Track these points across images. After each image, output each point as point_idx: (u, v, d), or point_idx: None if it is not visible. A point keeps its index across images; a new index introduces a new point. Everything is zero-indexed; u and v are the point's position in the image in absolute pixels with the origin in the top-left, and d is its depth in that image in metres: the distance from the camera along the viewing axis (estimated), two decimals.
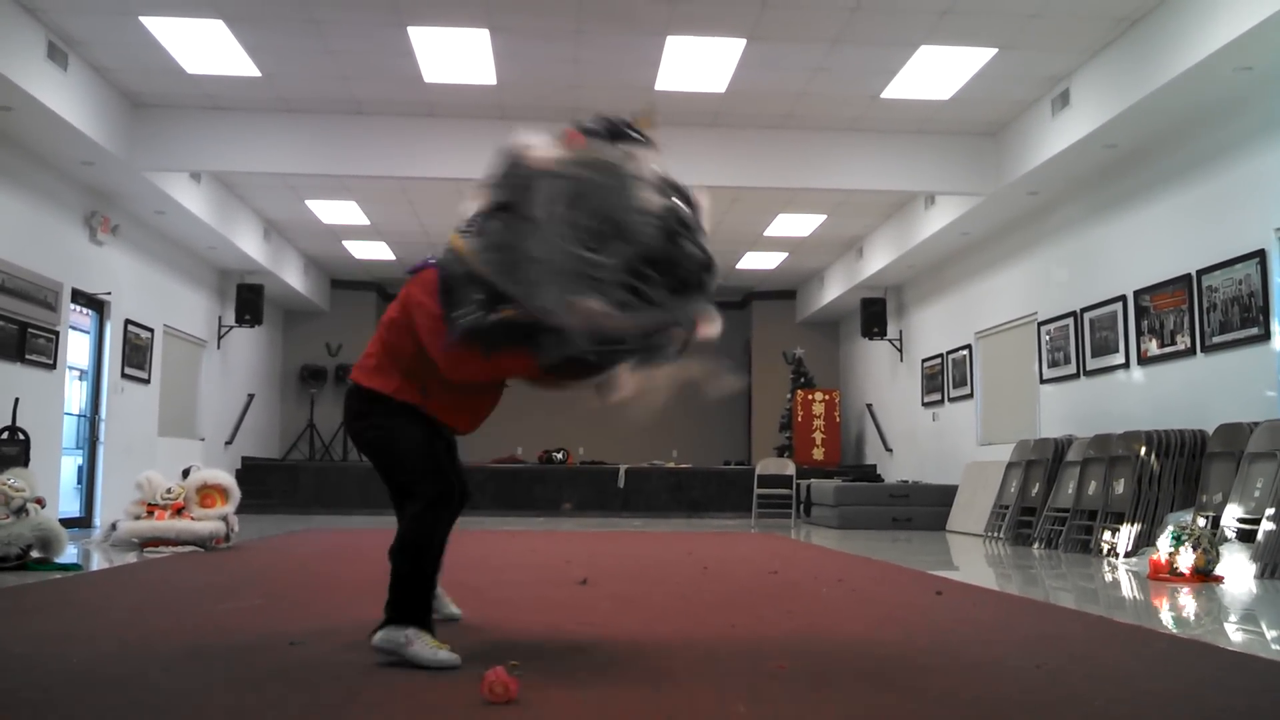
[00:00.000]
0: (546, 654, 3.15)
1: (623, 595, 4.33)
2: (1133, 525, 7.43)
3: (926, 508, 11.56)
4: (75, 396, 10.26)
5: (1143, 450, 7.59)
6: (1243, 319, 7.20)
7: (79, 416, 10.35)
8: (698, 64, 8.44)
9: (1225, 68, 6.82)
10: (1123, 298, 8.68)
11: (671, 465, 14.84)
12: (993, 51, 8.07)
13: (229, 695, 2.58)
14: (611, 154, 3.25)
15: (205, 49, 8.18)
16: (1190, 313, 7.75)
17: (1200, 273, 7.66)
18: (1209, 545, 5.87)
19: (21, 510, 6.05)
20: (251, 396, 14.92)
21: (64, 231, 9.49)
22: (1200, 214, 7.77)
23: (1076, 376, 9.48)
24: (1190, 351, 7.75)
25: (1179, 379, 7.93)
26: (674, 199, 3.23)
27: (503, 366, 3.23)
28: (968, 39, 7.90)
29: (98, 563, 6.65)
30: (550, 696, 2.58)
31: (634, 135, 3.36)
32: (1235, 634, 4.13)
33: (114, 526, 7.45)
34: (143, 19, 7.65)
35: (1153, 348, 8.24)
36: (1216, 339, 7.47)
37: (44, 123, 8.11)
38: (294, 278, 14.72)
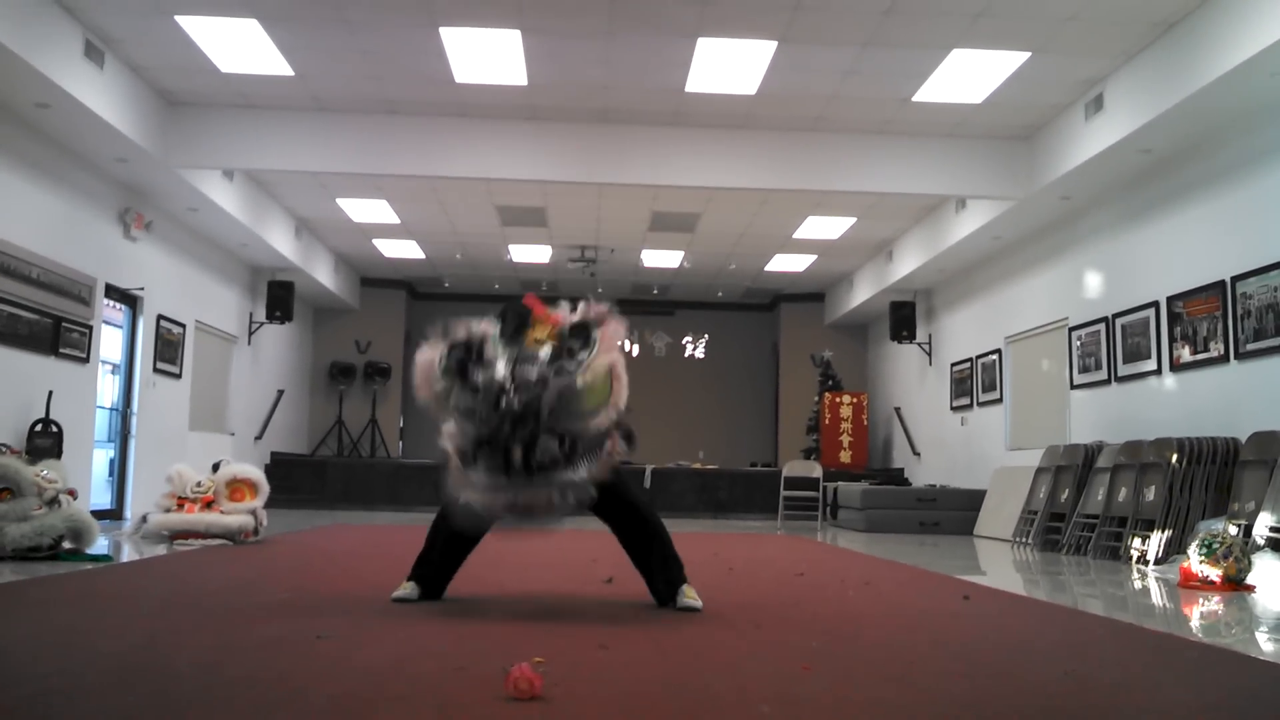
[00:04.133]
0: (571, 651, 3.16)
1: (648, 594, 4.33)
2: (1163, 532, 7.36)
3: (954, 512, 11.51)
4: (108, 390, 10.36)
5: (1174, 457, 7.52)
6: (1277, 326, 7.13)
7: (111, 410, 10.45)
8: (728, 66, 8.44)
9: (1262, 73, 6.75)
10: (1155, 304, 8.61)
11: (698, 466, 14.84)
12: (1026, 55, 8.02)
13: (255, 688, 2.59)
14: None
15: (240, 48, 8.25)
16: (1224, 319, 7.68)
17: (1234, 279, 7.58)
18: (1240, 553, 5.81)
19: (54, 501, 6.13)
20: (281, 392, 15.03)
21: (98, 227, 9.59)
22: (1235, 220, 7.69)
23: (1108, 382, 9.40)
24: (1224, 358, 7.68)
25: (1212, 386, 7.85)
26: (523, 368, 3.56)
27: None
28: (1001, 42, 7.85)
29: (128, 554, 6.71)
30: (574, 693, 2.58)
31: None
32: (1267, 644, 4.08)
33: (144, 519, 7.52)
34: (178, 18, 7.72)
35: (1185, 354, 8.16)
36: (1250, 346, 7.39)
37: (80, 120, 8.20)
38: (324, 275, 14.82)
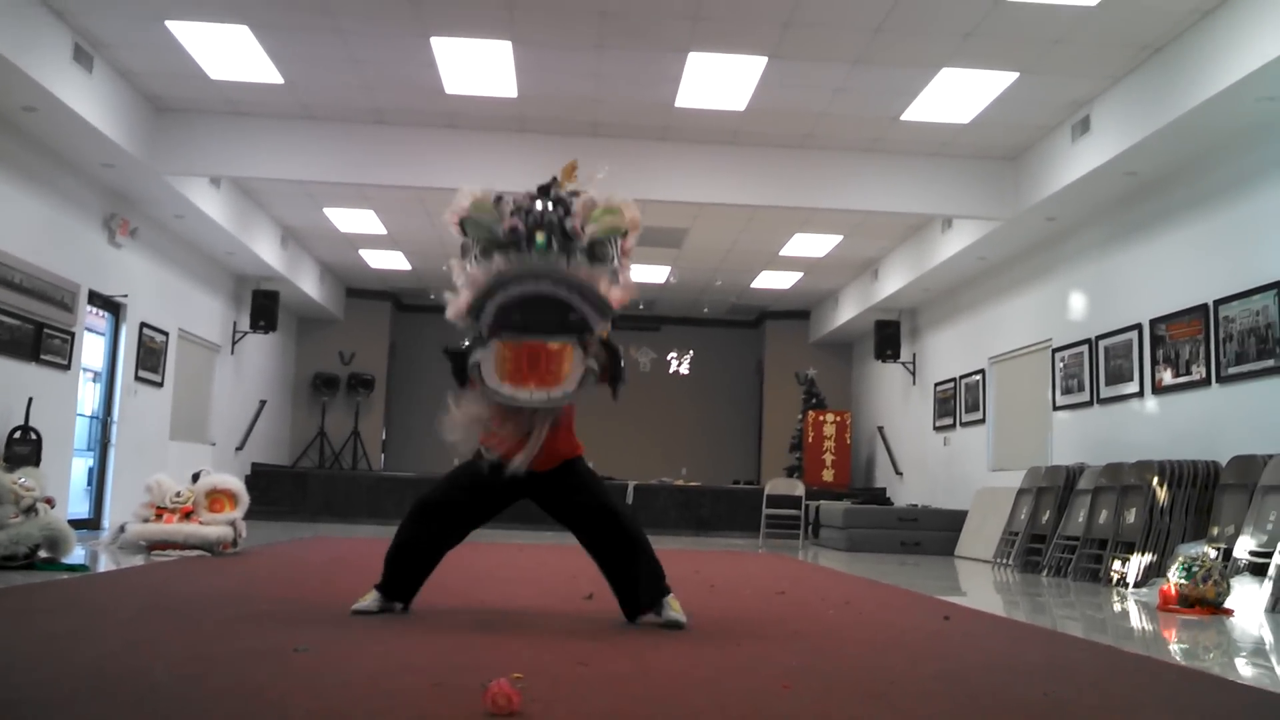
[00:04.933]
0: (550, 667, 3.14)
1: None
2: (1143, 555, 7.38)
3: (936, 532, 11.51)
4: (88, 398, 10.29)
5: (1155, 480, 7.55)
6: (1259, 350, 7.16)
7: (91, 418, 10.39)
8: (718, 81, 8.47)
9: (1248, 97, 6.80)
10: (1138, 326, 8.65)
11: (680, 483, 14.82)
12: (1014, 75, 8.07)
13: (233, 700, 2.57)
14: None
15: (229, 55, 8.24)
16: (1206, 343, 7.72)
17: (1217, 303, 7.62)
18: (1220, 577, 5.82)
19: (31, 510, 6.06)
20: (263, 403, 14.97)
21: (83, 233, 9.54)
22: (1219, 244, 7.74)
23: (1090, 404, 9.44)
24: (1205, 382, 7.72)
25: (1193, 409, 7.88)
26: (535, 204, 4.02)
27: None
28: (990, 62, 7.90)
29: (105, 564, 6.66)
30: (553, 710, 2.56)
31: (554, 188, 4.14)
32: (1245, 667, 4.09)
33: (122, 528, 7.46)
34: (168, 23, 7.71)
35: (1167, 377, 8.20)
36: (1232, 370, 7.43)
37: (67, 124, 8.17)
38: (310, 285, 14.78)
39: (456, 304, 3.98)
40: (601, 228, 3.99)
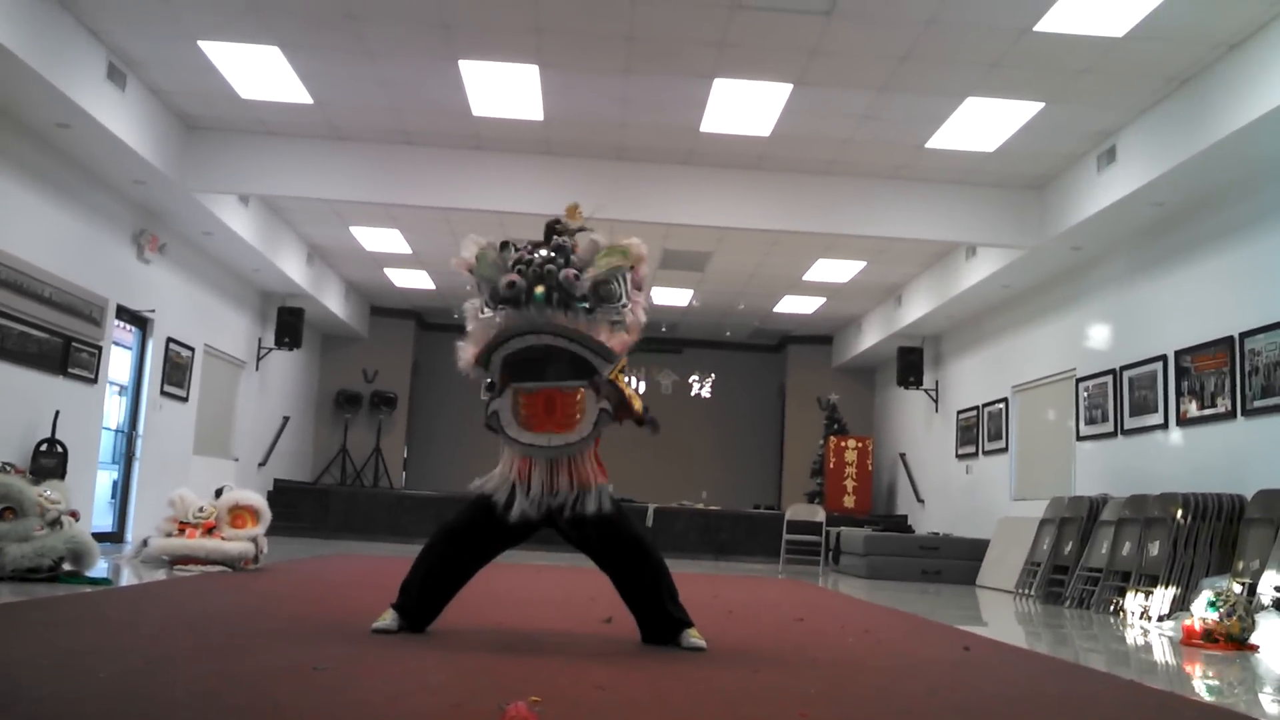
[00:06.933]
0: (568, 691, 3.14)
1: None
2: (1167, 588, 7.31)
3: (957, 561, 11.44)
4: (114, 412, 10.37)
5: (1179, 513, 7.49)
6: None
7: (117, 432, 10.47)
8: (744, 107, 8.49)
9: (1276, 129, 6.78)
10: (1163, 357, 8.60)
11: (700, 506, 14.78)
12: (1040, 105, 8.06)
13: (252, 717, 2.58)
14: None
15: (260, 75, 8.33)
16: (1231, 375, 7.66)
17: (1243, 335, 7.57)
18: (1244, 612, 5.77)
19: (56, 522, 6.11)
20: (287, 419, 15.04)
21: (112, 248, 9.64)
22: (1245, 276, 7.70)
23: (1114, 435, 9.38)
24: (1230, 414, 7.66)
25: (1218, 442, 7.82)
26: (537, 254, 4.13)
27: None
28: (1015, 92, 7.90)
29: (127, 578, 6.70)
30: None
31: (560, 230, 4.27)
32: (1270, 704, 4.05)
33: (145, 543, 7.51)
34: (201, 43, 7.80)
35: (1192, 409, 8.14)
36: (1258, 403, 7.37)
37: (100, 141, 8.27)
38: (334, 303, 14.87)
39: (465, 356, 4.18)
40: (604, 268, 4.09)
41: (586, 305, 4.05)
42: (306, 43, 7.78)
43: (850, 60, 7.58)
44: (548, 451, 4.05)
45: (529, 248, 4.16)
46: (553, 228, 4.26)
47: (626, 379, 4.33)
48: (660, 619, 4.29)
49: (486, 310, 4.16)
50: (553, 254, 4.08)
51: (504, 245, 4.19)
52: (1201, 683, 4.60)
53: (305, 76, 8.36)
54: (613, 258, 4.12)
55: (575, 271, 4.04)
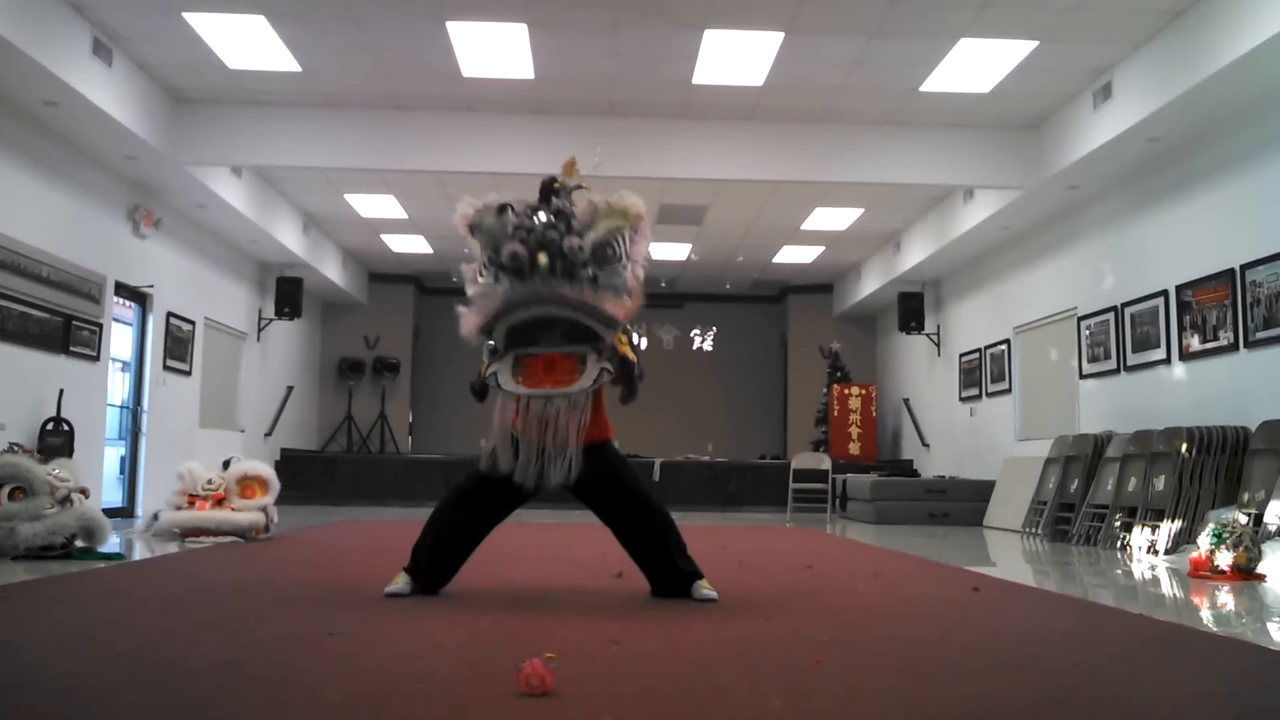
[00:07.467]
0: (582, 647, 3.17)
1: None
2: (1173, 522, 7.35)
3: (963, 503, 11.50)
4: (118, 388, 10.39)
5: (1183, 447, 7.51)
6: None
7: (121, 408, 10.49)
8: (735, 57, 8.43)
9: (1272, 60, 6.72)
10: (1164, 293, 8.59)
11: (707, 459, 14.83)
12: (1034, 44, 8.00)
13: (270, 686, 2.61)
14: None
15: (247, 44, 8.26)
16: (1233, 308, 7.66)
17: (1244, 268, 7.56)
18: (1251, 543, 5.80)
19: (66, 500, 6.15)
20: (290, 389, 15.06)
21: (107, 225, 9.61)
22: (1244, 208, 7.67)
23: (1117, 372, 9.39)
24: (1233, 347, 7.66)
25: (1221, 375, 7.83)
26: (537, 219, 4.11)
27: None
28: (1008, 31, 7.83)
29: (140, 552, 6.74)
30: (585, 689, 2.59)
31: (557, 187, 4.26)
32: (1278, 633, 4.08)
33: (156, 516, 7.55)
34: (185, 15, 7.74)
35: (1195, 343, 8.15)
36: (1260, 335, 7.37)
37: (88, 118, 8.22)
38: (333, 271, 14.84)
39: (468, 322, 4.16)
40: (604, 230, 4.10)
41: (590, 273, 4.03)
42: (292, 10, 7.71)
43: (840, 5, 7.51)
44: (544, 401, 4.03)
45: (527, 211, 4.13)
46: (549, 187, 4.23)
47: (629, 339, 4.33)
48: (669, 573, 4.32)
49: (485, 274, 4.14)
50: (553, 219, 4.06)
51: (502, 209, 4.15)
52: (1209, 613, 4.64)
53: (292, 44, 8.29)
54: (613, 219, 4.11)
55: (578, 240, 4.02)
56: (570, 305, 4.02)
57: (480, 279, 4.17)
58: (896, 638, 3.52)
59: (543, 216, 4.08)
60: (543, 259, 3.97)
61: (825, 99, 9.32)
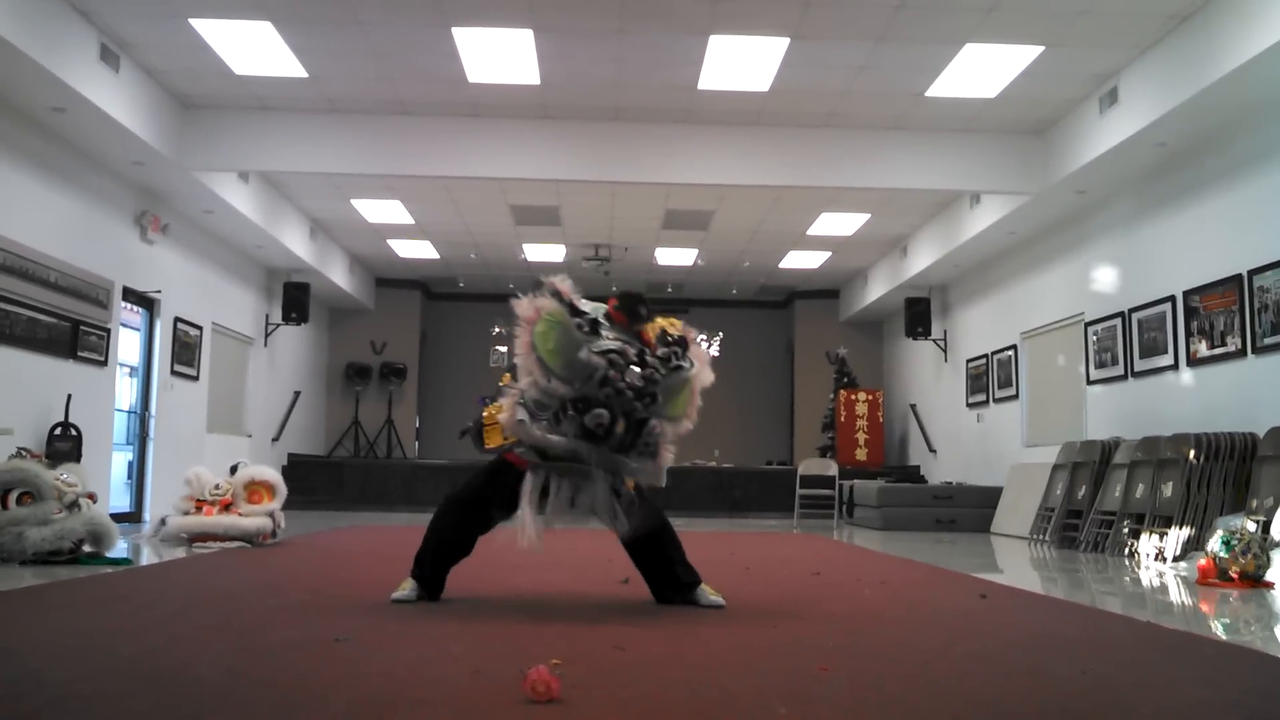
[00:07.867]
0: (588, 653, 3.17)
1: None
2: (1181, 529, 7.33)
3: (971, 510, 11.48)
4: (125, 393, 10.41)
5: (1191, 453, 7.49)
6: None
7: (129, 413, 10.51)
8: (741, 63, 8.43)
9: (1278, 64, 6.70)
10: (1172, 298, 8.57)
11: (713, 464, 14.82)
12: (1039, 49, 7.99)
13: (276, 692, 2.61)
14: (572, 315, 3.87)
15: (253, 50, 8.29)
16: (1241, 314, 7.64)
17: (1251, 273, 7.54)
18: (1259, 550, 5.78)
19: (74, 505, 6.16)
20: (298, 394, 15.09)
21: (115, 230, 9.64)
22: (1251, 213, 7.65)
23: (1124, 378, 9.36)
24: (1241, 353, 7.64)
25: (1229, 381, 7.81)
26: (621, 359, 3.82)
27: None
28: (1014, 36, 7.83)
29: (147, 557, 6.75)
30: (591, 695, 2.58)
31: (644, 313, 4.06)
32: None
33: (163, 522, 7.56)
34: (192, 21, 7.76)
35: (1202, 349, 8.12)
36: (1268, 340, 7.35)
37: (96, 124, 8.25)
38: (339, 276, 14.87)
39: (509, 418, 3.87)
40: (675, 408, 3.99)
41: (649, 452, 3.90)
42: (298, 16, 7.73)
43: (846, 11, 7.51)
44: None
45: (622, 360, 3.82)
46: (636, 309, 4.04)
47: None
48: (670, 581, 4.33)
49: (540, 398, 3.82)
50: (651, 380, 3.83)
51: (574, 311, 3.87)
52: (1218, 621, 4.62)
53: (299, 50, 8.31)
54: (683, 401, 4.03)
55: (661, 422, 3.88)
56: (615, 473, 3.89)
57: (530, 394, 3.85)
58: (902, 644, 3.51)
59: (635, 379, 3.80)
60: (620, 428, 3.78)
61: (831, 104, 9.32)
